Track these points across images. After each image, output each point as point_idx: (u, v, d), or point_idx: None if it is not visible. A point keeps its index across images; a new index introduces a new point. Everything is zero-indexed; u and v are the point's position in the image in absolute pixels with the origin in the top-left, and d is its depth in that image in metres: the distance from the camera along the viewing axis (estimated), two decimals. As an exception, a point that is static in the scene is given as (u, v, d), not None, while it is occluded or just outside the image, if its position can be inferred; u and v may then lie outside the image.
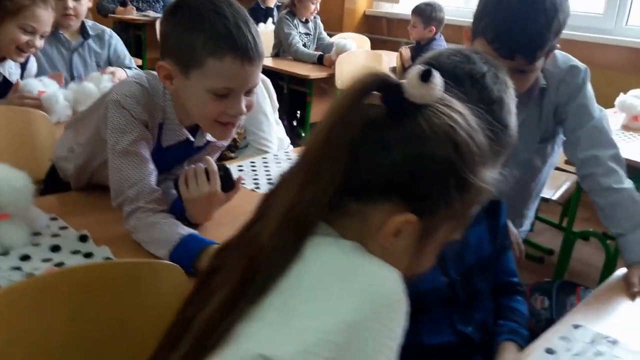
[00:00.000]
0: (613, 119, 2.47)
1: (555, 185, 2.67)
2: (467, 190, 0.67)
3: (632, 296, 1.26)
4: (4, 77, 2.08)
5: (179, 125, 1.33)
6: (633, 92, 2.69)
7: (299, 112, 4.16)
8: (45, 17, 1.97)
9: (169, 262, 1.02)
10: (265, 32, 4.38)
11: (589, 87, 1.62)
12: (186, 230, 1.19)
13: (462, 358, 1.15)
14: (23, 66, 2.16)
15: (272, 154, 1.95)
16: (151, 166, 1.28)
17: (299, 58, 4.10)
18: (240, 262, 0.66)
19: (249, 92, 1.24)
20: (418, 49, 3.93)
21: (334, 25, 5.08)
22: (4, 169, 1.18)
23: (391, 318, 0.61)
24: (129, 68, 2.52)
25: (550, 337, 1.09)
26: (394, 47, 4.47)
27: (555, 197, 2.62)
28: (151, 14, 5.07)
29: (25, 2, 1.92)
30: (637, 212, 1.42)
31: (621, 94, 2.69)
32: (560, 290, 1.57)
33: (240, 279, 0.65)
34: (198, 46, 1.15)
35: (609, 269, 2.33)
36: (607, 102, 2.42)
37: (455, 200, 0.67)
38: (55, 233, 1.23)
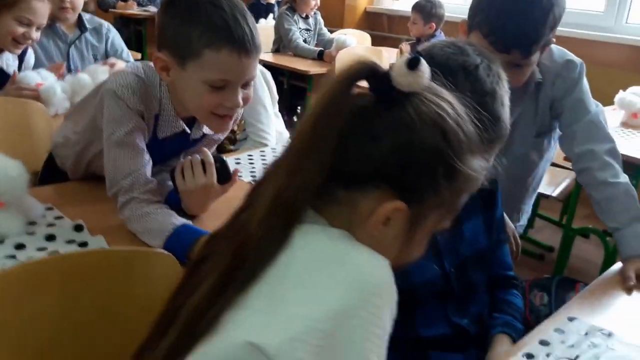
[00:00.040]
0: (612, 116, 2.47)
1: (555, 182, 2.66)
2: (455, 179, 0.67)
3: (628, 290, 1.26)
4: (1, 69, 2.08)
5: (175, 117, 1.32)
6: (632, 89, 2.68)
7: (299, 107, 4.16)
8: (41, 9, 1.97)
9: (162, 250, 1.02)
10: (265, 27, 4.38)
11: (585, 82, 1.62)
12: (180, 221, 1.19)
13: (457, 350, 1.15)
14: (21, 58, 2.16)
15: (270, 147, 1.95)
16: (146, 157, 1.28)
17: (299, 54, 4.09)
18: (229, 250, 0.66)
19: (246, 85, 1.24)
20: (418, 46, 3.92)
21: (335, 21, 5.07)
22: (-2, 159, 1.18)
23: (379, 306, 0.61)
24: (127, 62, 2.50)
25: (545, 329, 1.10)
26: (394, 43, 4.46)
27: (555, 194, 2.61)
28: (152, 8, 5.07)
29: None
30: (632, 206, 1.42)
31: (620, 91, 2.68)
32: (560, 286, 1.57)
33: (229, 267, 0.65)
34: (194, 38, 1.14)
35: (608, 265, 2.30)
36: (608, 99, 2.42)
37: (444, 188, 0.67)
38: (50, 222, 1.24)
